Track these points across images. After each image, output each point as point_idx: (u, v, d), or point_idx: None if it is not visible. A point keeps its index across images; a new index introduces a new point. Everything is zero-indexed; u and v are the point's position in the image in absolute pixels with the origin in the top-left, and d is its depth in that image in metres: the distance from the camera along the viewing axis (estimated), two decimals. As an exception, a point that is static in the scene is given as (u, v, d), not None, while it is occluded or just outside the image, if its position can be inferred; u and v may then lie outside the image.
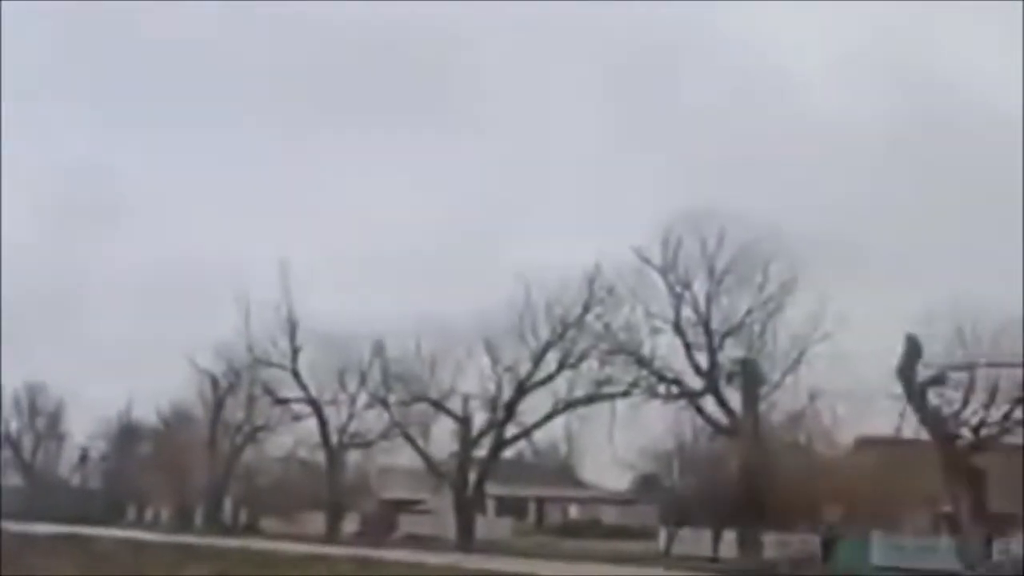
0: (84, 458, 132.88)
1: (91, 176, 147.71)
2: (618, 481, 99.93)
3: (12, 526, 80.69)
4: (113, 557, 61.13)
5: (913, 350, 54.73)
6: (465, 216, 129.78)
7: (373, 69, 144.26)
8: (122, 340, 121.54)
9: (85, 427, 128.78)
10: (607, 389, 74.49)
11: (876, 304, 65.85)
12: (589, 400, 75.95)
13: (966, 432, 55.22)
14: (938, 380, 54.94)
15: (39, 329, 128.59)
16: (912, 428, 57.91)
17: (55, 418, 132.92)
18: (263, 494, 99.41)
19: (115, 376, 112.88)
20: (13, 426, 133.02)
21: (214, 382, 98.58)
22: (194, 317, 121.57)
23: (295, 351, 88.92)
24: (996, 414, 54.75)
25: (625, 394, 73.35)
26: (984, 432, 55.01)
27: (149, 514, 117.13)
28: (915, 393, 54.87)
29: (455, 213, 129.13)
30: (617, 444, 75.52)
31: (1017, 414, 54.74)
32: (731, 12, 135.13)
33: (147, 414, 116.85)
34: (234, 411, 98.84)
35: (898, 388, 56.03)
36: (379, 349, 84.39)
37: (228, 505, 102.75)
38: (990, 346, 54.38)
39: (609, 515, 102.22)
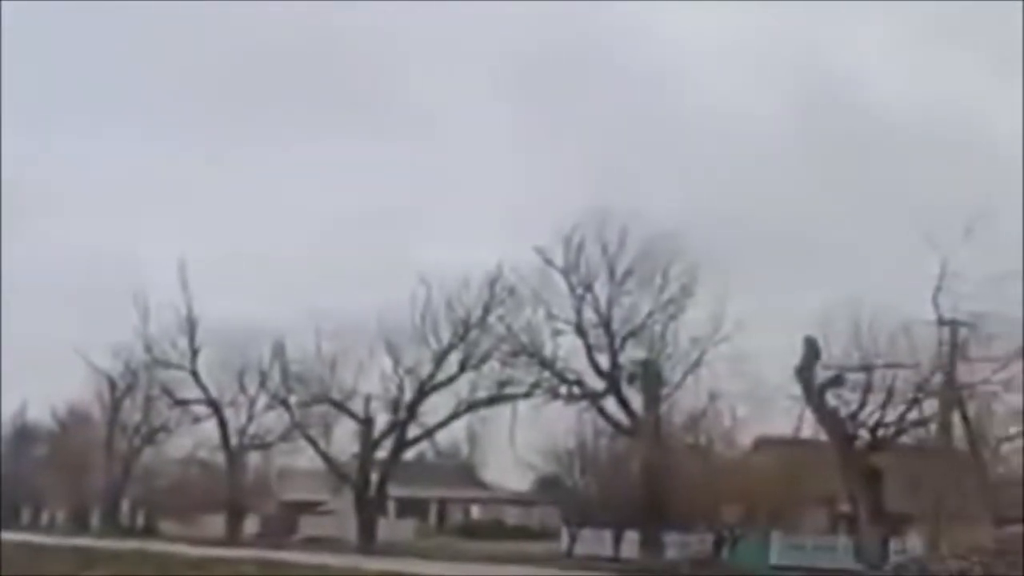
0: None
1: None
2: (520, 482, 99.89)
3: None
4: (9, 560, 60.47)
5: (811, 351, 55.33)
6: (367, 216, 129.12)
7: (275, 67, 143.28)
8: (17, 340, 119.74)
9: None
10: (509, 390, 74.71)
11: (775, 306, 66.63)
12: (491, 401, 76.16)
13: (864, 433, 55.80)
14: (836, 381, 55.56)
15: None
16: (811, 429, 58.61)
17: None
18: (161, 496, 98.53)
19: (9, 377, 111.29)
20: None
21: (111, 383, 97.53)
22: (91, 318, 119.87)
23: (194, 352, 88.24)
24: (893, 414, 55.37)
25: (527, 395, 73.58)
26: (881, 433, 55.61)
27: (45, 517, 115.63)
28: (813, 394, 55.46)
29: (357, 213, 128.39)
30: (519, 445, 75.75)
31: (913, 414, 55.44)
32: (632, 10, 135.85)
33: (42, 415, 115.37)
34: (132, 412, 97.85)
35: (797, 389, 56.61)
36: (279, 350, 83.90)
37: (126, 507, 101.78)
38: (887, 347, 55.02)
39: (511, 516, 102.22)
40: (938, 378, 54.21)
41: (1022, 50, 79.87)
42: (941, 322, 53.39)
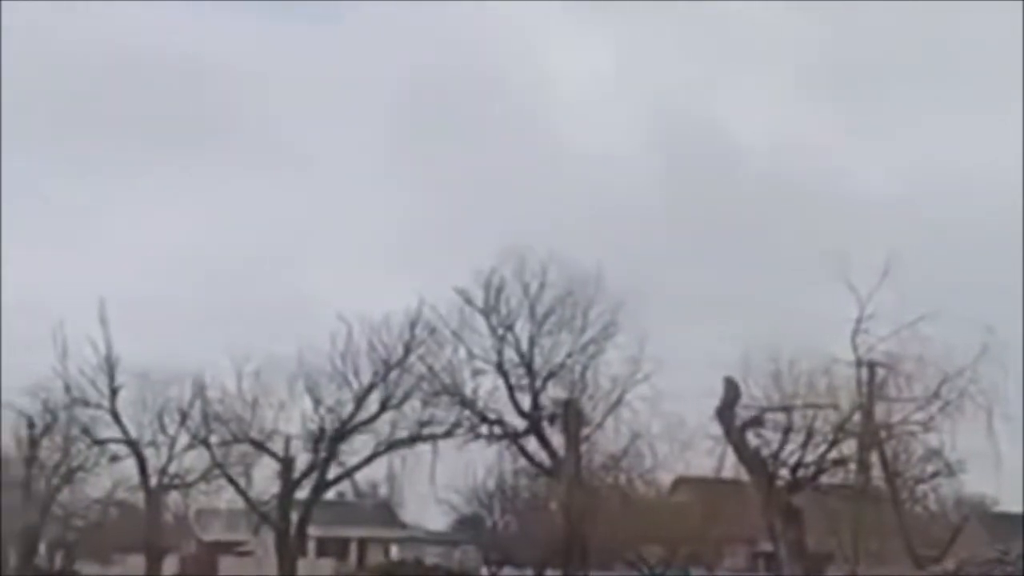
0: None
1: None
2: (440, 522, 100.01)
3: None
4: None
5: (731, 392, 55.57)
6: (286, 256, 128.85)
7: (181, 103, 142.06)
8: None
9: None
10: (429, 430, 74.67)
11: (696, 347, 67.04)
12: (411, 441, 75.96)
13: (784, 472, 56.21)
14: (756, 421, 55.92)
15: None
16: (731, 468, 59.01)
17: None
18: (80, 536, 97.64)
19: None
20: None
21: (30, 423, 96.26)
22: (8, 357, 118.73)
23: (113, 391, 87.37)
24: (812, 454, 55.84)
25: (447, 435, 73.67)
26: (801, 472, 56.04)
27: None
28: (734, 434, 55.79)
29: (276, 253, 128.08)
30: (439, 485, 75.92)
31: (833, 454, 55.94)
32: (559, 44, 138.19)
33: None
34: (51, 452, 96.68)
35: (717, 429, 57.00)
36: (200, 389, 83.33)
37: (43, 548, 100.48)
38: (806, 388, 55.49)
39: (431, 555, 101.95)
40: (857, 419, 54.84)
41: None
42: (860, 363, 54.12)
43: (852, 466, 55.91)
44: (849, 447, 55.65)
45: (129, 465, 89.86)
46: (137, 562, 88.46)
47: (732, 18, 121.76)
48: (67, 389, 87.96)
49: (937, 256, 71.58)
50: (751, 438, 56.11)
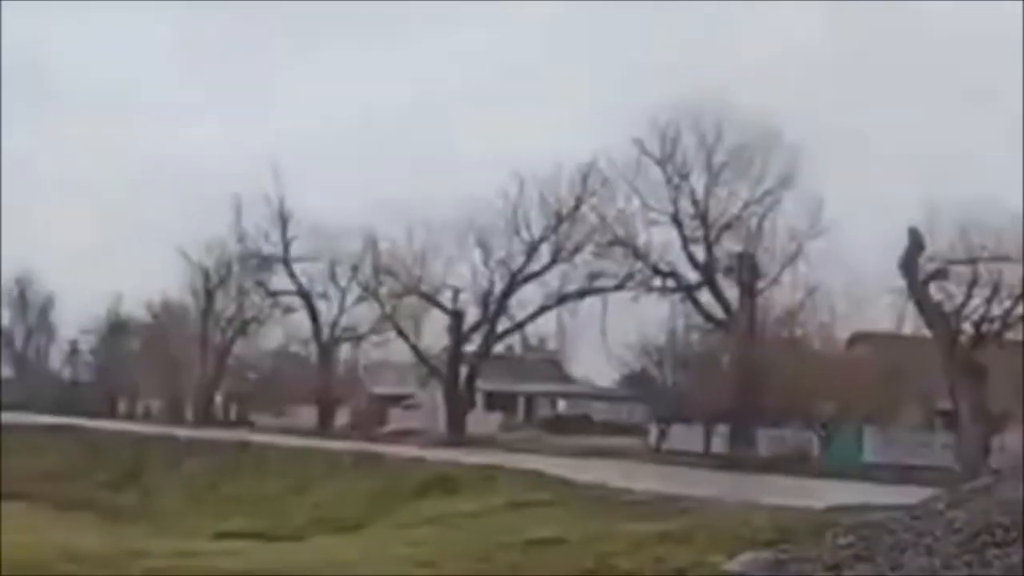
0: (75, 351, 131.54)
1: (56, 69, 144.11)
2: (608, 378, 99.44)
3: (6, 416, 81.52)
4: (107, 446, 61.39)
5: (915, 243, 54.08)
6: (456, 108, 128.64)
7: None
8: (113, 236, 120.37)
9: (75, 320, 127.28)
10: (600, 282, 74.24)
11: (876, 200, 65.70)
12: (582, 294, 75.64)
13: (967, 328, 54.69)
14: (940, 274, 54.38)
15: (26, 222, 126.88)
16: (911, 324, 57.67)
17: (45, 311, 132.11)
18: (254, 387, 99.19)
19: (106, 272, 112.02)
20: (4, 319, 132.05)
21: (205, 276, 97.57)
22: (184, 212, 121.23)
23: (286, 243, 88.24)
24: (998, 309, 54.19)
25: (619, 287, 73.15)
26: (986, 328, 54.46)
27: (140, 407, 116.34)
28: (917, 287, 54.35)
29: (446, 104, 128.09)
30: (609, 339, 75.40)
31: (1019, 310, 54.20)
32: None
33: (137, 309, 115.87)
34: (225, 305, 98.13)
35: (899, 282, 55.61)
36: (370, 242, 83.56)
37: (219, 399, 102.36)
38: (993, 241, 53.69)
39: (598, 411, 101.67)
40: (1047, 273, 52.94)
41: None
42: (1051, 217, 52.04)
43: (1039, 322, 54.21)
44: (1037, 303, 53.88)
45: (301, 318, 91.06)
46: (309, 413, 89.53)
47: None
48: (240, 241, 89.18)
49: None
50: (934, 292, 54.69)
